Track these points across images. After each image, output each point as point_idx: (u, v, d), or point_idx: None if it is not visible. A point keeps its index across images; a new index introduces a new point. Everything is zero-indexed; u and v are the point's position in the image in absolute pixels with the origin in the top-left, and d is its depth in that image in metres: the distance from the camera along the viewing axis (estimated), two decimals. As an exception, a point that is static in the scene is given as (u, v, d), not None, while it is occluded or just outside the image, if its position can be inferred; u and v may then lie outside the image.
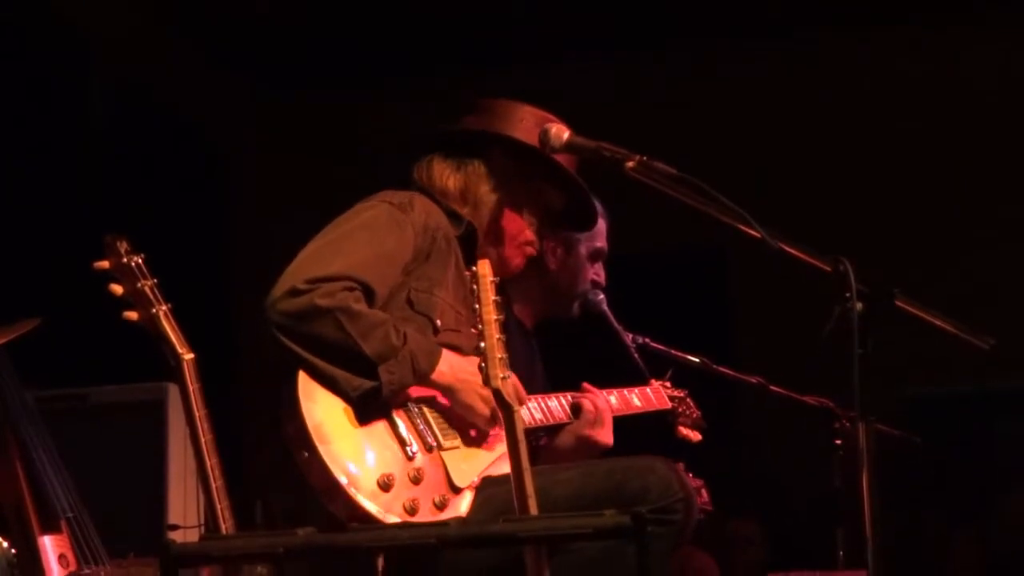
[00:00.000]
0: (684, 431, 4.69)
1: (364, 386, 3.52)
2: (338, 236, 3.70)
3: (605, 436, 4.17)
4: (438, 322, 3.75)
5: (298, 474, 3.49)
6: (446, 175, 3.97)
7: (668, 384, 4.70)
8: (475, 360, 3.67)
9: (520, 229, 4.02)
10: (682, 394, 4.73)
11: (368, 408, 3.55)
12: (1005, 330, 3.85)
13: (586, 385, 4.26)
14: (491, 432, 3.76)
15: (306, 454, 3.45)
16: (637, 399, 4.46)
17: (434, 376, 3.65)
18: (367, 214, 3.76)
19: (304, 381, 3.51)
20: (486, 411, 3.68)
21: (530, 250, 4.07)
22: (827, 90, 7.83)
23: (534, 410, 4.03)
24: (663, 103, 7.82)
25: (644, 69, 7.95)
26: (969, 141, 7.62)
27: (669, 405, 4.64)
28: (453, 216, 3.92)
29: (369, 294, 3.60)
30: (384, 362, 3.53)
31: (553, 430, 4.15)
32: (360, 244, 3.66)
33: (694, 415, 4.75)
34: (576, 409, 4.17)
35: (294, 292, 3.51)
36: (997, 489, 6.73)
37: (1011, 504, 6.66)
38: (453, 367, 3.69)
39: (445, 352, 3.69)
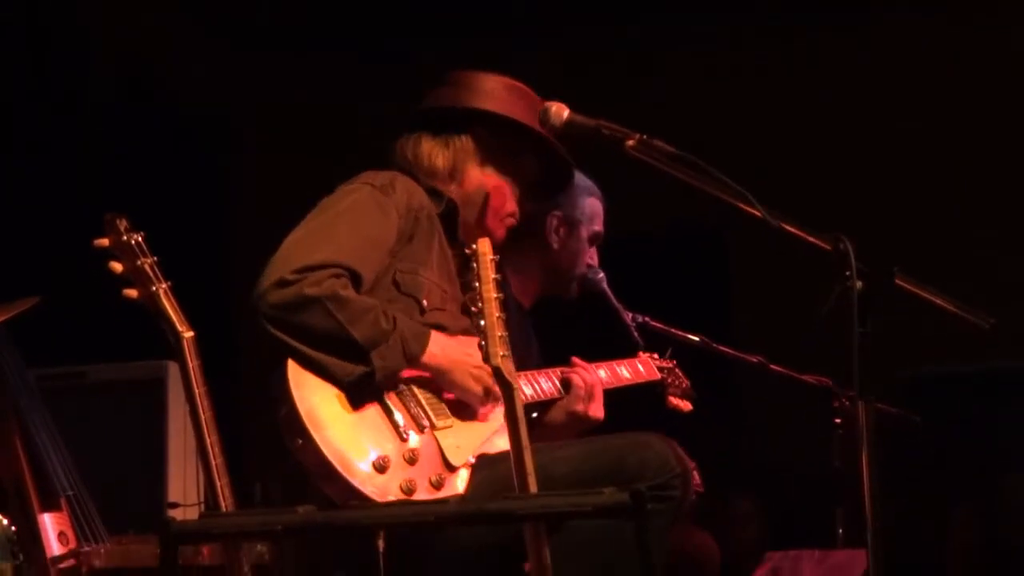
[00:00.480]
0: (674, 401, 4.71)
1: (356, 372, 3.53)
2: (323, 222, 3.69)
3: (596, 411, 4.19)
4: (424, 302, 3.76)
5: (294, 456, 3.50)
6: (435, 153, 3.98)
7: (656, 356, 4.71)
8: (464, 340, 3.69)
9: (503, 202, 4.04)
10: (670, 365, 4.74)
11: (360, 393, 3.55)
12: (1006, 309, 3.85)
13: (576, 360, 4.27)
14: (482, 409, 3.76)
15: (300, 441, 3.45)
16: (626, 371, 4.47)
17: (425, 359, 3.65)
18: (350, 199, 3.76)
19: (294, 369, 3.51)
20: (479, 389, 3.69)
21: (511, 221, 4.08)
22: (826, 77, 7.83)
23: (523, 386, 4.03)
24: (665, 91, 7.82)
25: (646, 49, 7.94)
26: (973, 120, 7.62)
27: (658, 376, 4.65)
28: (433, 193, 3.92)
29: (356, 280, 3.60)
30: (375, 347, 3.53)
31: (544, 406, 4.15)
32: (345, 230, 3.66)
33: (683, 385, 4.76)
34: (566, 384, 4.18)
35: (282, 283, 3.51)
36: (997, 469, 6.73)
37: (1011, 484, 6.66)
38: (444, 348, 3.69)
39: (434, 334, 3.69)
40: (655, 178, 3.58)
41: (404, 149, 4.00)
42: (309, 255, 3.55)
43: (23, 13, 6.85)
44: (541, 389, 4.11)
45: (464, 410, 3.75)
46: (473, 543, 3.54)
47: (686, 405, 4.73)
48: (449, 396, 3.73)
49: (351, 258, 3.60)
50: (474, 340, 3.75)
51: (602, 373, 4.32)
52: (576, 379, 4.18)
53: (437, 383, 3.72)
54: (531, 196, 4.17)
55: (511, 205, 4.06)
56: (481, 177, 4.00)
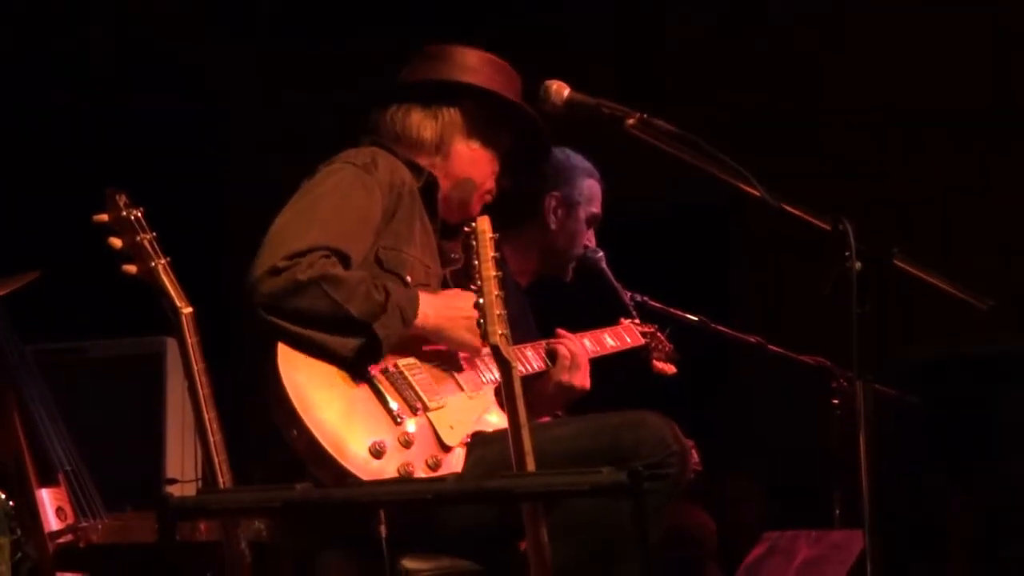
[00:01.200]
0: (659, 365, 4.72)
1: (356, 344, 3.53)
2: (308, 205, 3.68)
3: (582, 380, 4.20)
4: (408, 278, 3.76)
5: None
6: (424, 125, 3.98)
7: (637, 321, 4.71)
8: (448, 294, 3.70)
9: (485, 177, 4.05)
10: (652, 329, 4.75)
11: (351, 377, 3.55)
12: (1007, 291, 3.85)
13: (560, 331, 4.27)
14: (472, 387, 3.77)
15: (295, 432, 3.44)
16: (610, 339, 4.48)
17: (418, 321, 3.66)
18: (334, 179, 3.75)
19: (284, 353, 3.50)
20: (477, 341, 3.68)
21: (488, 197, 4.09)
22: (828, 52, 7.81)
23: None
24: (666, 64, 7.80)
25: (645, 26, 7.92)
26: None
27: (642, 341, 4.66)
28: (413, 167, 3.92)
29: (344, 260, 3.60)
30: (375, 319, 3.53)
31: (531, 379, 4.15)
32: (330, 211, 3.66)
33: (667, 349, 4.77)
34: (552, 355, 4.19)
35: (274, 271, 3.50)
36: (996, 451, 6.73)
37: (1010, 467, 6.67)
38: (435, 307, 3.71)
39: (422, 295, 3.70)
40: (657, 157, 3.58)
41: (391, 120, 3.99)
42: (297, 241, 3.54)
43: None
44: (529, 363, 4.12)
45: (454, 388, 3.75)
46: (470, 521, 3.54)
47: (670, 368, 4.75)
48: (438, 374, 3.73)
49: (338, 239, 3.59)
50: (458, 291, 3.77)
51: (587, 342, 4.33)
52: (561, 349, 4.20)
53: (423, 357, 3.72)
54: (508, 174, 4.16)
55: (491, 182, 4.07)
56: (466, 150, 4.00)
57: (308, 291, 3.49)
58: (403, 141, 3.96)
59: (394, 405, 3.57)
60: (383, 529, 3.09)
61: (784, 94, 7.59)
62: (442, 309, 3.72)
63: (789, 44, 7.66)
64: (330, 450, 3.42)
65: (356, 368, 3.55)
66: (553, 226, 4.71)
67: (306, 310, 3.49)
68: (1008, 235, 7.14)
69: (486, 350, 3.50)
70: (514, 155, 4.14)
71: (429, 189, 3.93)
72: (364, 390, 3.57)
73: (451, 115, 3.99)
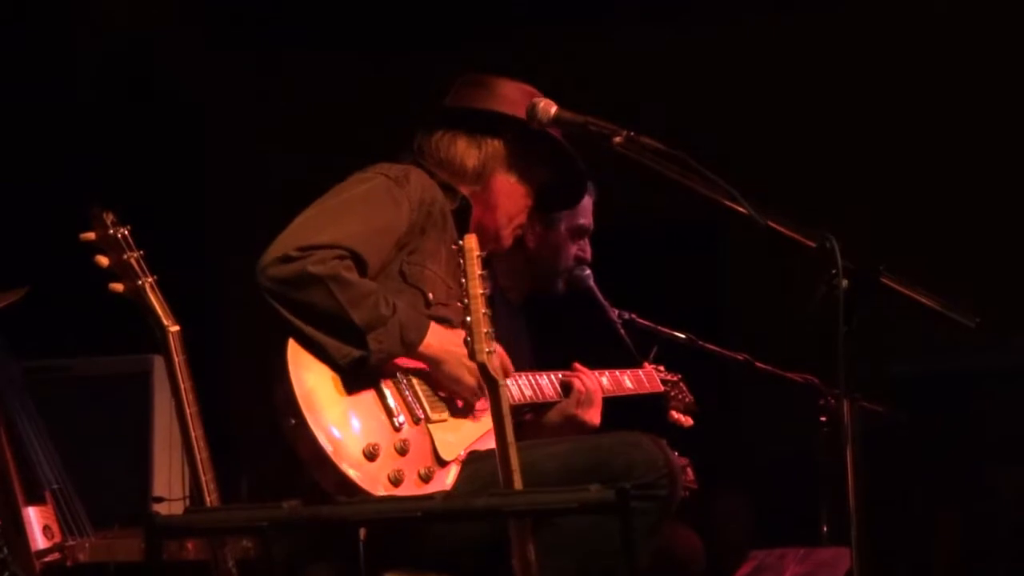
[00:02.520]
0: (676, 415, 4.70)
1: (352, 354, 3.53)
2: (333, 206, 3.70)
3: (593, 416, 4.19)
4: (430, 295, 3.77)
5: (284, 445, 3.50)
6: (468, 153, 3.97)
7: (662, 368, 4.70)
8: (462, 333, 3.68)
9: (520, 210, 4.05)
10: (675, 378, 4.74)
11: (356, 377, 3.56)
12: (993, 307, 3.85)
13: (577, 365, 4.26)
14: (479, 406, 3.76)
15: (293, 421, 3.46)
16: (629, 381, 4.47)
17: (421, 348, 3.66)
18: (364, 186, 3.76)
19: (294, 350, 3.52)
20: (473, 383, 3.69)
21: (519, 232, 4.11)
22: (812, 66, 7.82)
23: (524, 387, 4.05)
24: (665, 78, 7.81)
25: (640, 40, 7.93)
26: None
27: (661, 389, 4.65)
28: (449, 190, 3.92)
29: (360, 265, 3.60)
30: (372, 331, 3.54)
31: (541, 407, 4.15)
32: (355, 216, 3.66)
33: (687, 400, 4.75)
34: (567, 388, 4.18)
35: (286, 259, 3.51)
36: (982, 467, 6.74)
37: (996, 482, 6.68)
38: (441, 339, 3.70)
39: (433, 325, 3.70)
40: (645, 174, 3.58)
41: (435, 144, 3.99)
42: (315, 235, 3.56)
43: (8, 6, 6.82)
44: (541, 391, 4.12)
45: (459, 404, 3.75)
46: (457, 539, 3.54)
47: (687, 421, 4.72)
48: (446, 389, 3.74)
49: (357, 243, 3.60)
50: None
51: (604, 380, 4.33)
52: (577, 384, 4.19)
53: (432, 373, 3.72)
54: (542, 208, 4.19)
55: (523, 216, 4.08)
56: (505, 183, 4.00)
57: (315, 286, 3.50)
58: (445, 167, 3.96)
59: (396, 411, 3.59)
60: (362, 533, 3.08)
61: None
62: (447, 343, 3.70)
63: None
64: (325, 444, 3.45)
65: (351, 375, 3.55)
66: (531, 244, 4.70)
67: (309, 304, 3.51)
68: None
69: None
70: (548, 191, 4.15)
71: (463, 212, 3.94)
72: (369, 393, 3.59)
73: (495, 146, 3.99)
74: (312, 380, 3.51)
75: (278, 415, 3.49)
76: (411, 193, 3.77)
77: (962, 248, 7.29)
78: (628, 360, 4.60)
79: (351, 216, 3.65)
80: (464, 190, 3.96)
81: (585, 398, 4.18)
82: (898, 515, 6.25)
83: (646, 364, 4.65)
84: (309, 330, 3.51)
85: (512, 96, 4.01)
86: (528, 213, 4.09)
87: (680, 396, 4.74)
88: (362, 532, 2.98)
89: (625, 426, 3.89)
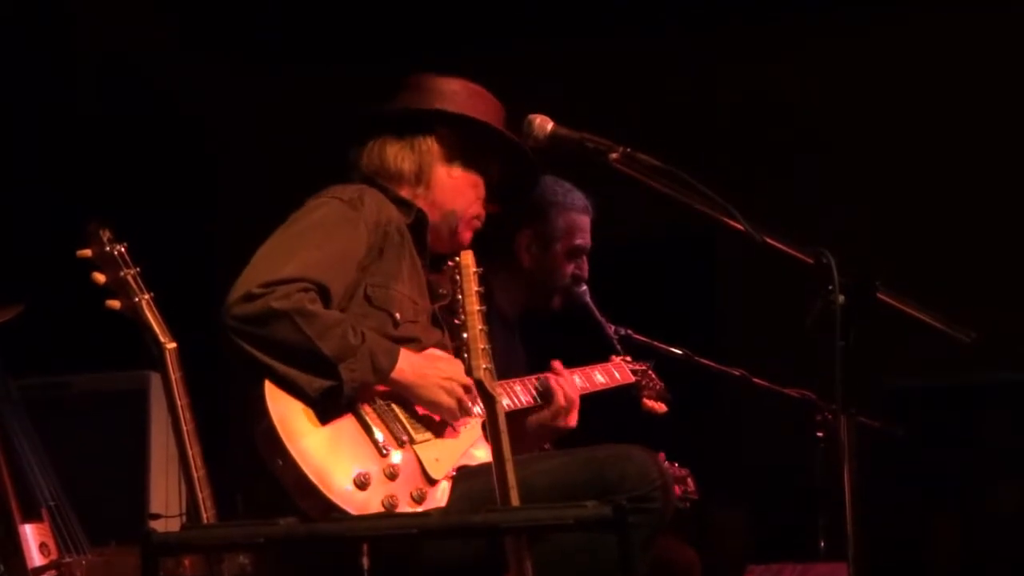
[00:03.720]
0: (649, 403, 4.71)
1: (324, 385, 3.51)
2: (291, 236, 3.68)
3: (572, 419, 4.20)
4: (397, 315, 3.75)
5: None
6: (401, 157, 3.97)
7: (629, 359, 4.71)
8: (431, 355, 3.70)
9: (470, 202, 4.03)
10: (644, 367, 4.75)
11: (336, 408, 3.54)
12: (988, 323, 3.86)
13: (555, 364, 4.25)
14: (458, 422, 3.76)
15: (280, 462, 3.44)
16: (600, 375, 4.47)
17: (394, 375, 3.64)
18: (319, 212, 3.75)
19: (271, 387, 3.50)
20: (452, 403, 3.69)
21: (477, 223, 4.08)
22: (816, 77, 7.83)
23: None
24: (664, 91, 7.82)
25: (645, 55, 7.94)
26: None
27: (632, 379, 4.65)
28: (402, 204, 3.92)
29: (324, 294, 3.58)
30: (343, 361, 3.52)
31: (519, 414, 4.14)
32: (313, 244, 3.65)
33: (657, 387, 4.76)
34: (545, 395, 4.16)
35: (248, 296, 3.49)
36: (979, 481, 6.74)
37: (992, 496, 6.68)
38: (412, 364, 3.68)
39: (403, 351, 3.68)
40: (641, 190, 3.59)
41: (368, 155, 3.99)
42: (276, 270, 3.54)
43: (7, 16, 6.82)
44: (517, 399, 4.11)
45: (441, 423, 3.74)
46: (455, 555, 3.53)
47: (660, 407, 4.74)
48: (425, 410, 3.72)
49: (319, 273, 3.58)
50: (442, 353, 3.77)
51: (576, 379, 4.32)
52: (557, 392, 4.18)
53: (408, 399, 3.71)
54: (496, 200, 4.15)
55: (477, 207, 4.06)
56: (447, 178, 3.99)
57: (280, 321, 3.48)
58: (383, 174, 3.96)
59: (380, 437, 3.57)
60: (365, 562, 3.08)
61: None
62: (420, 367, 3.69)
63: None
64: (315, 481, 3.42)
65: (325, 406, 3.54)
66: (526, 263, 4.71)
67: (276, 340, 3.48)
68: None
69: (468, 404, 3.49)
70: (504, 181, 4.14)
71: (419, 226, 3.93)
72: (350, 421, 3.57)
73: (427, 144, 3.99)
74: (293, 416, 3.48)
75: (264, 455, 3.46)
76: (367, 215, 3.76)
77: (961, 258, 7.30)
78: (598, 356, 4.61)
79: (309, 245, 3.64)
80: (409, 195, 3.95)
81: (566, 405, 4.18)
82: (895, 530, 6.25)
83: (613, 357, 4.65)
84: (278, 366, 3.49)
85: (444, 90, 4.02)
86: (483, 205, 4.07)
87: (651, 384, 4.75)
88: (365, 550, 2.97)
89: (603, 421, 3.89)
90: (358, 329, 3.58)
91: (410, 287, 3.83)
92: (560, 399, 4.17)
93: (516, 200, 4.32)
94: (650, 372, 4.77)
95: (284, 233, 3.70)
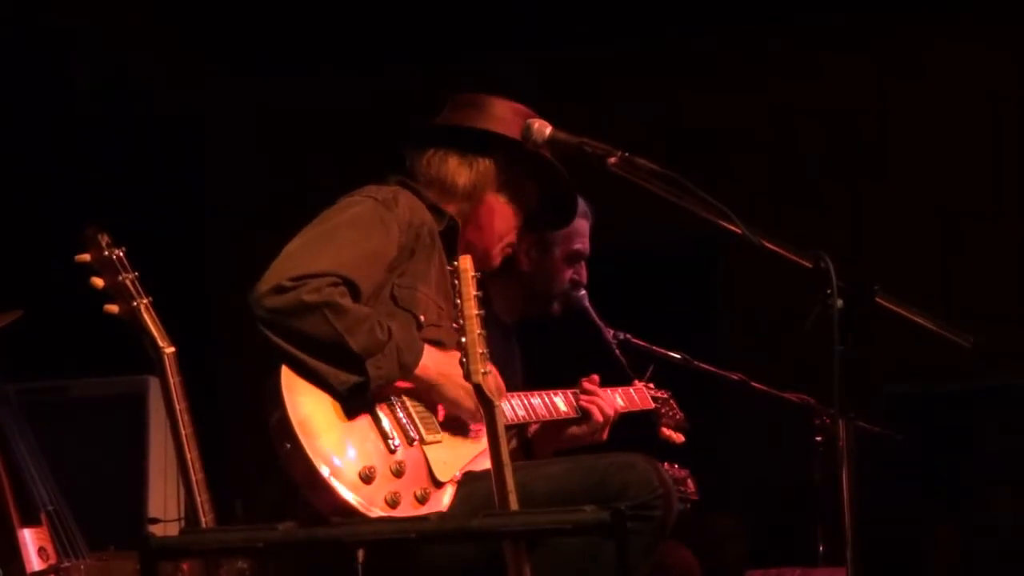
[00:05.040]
0: (667, 432, 4.70)
1: (351, 380, 3.53)
2: (324, 232, 3.69)
3: (604, 435, 4.25)
4: (421, 317, 3.76)
5: (280, 468, 3.50)
6: (459, 172, 3.97)
7: (651, 385, 4.71)
8: (456, 355, 3.68)
9: (509, 230, 4.05)
10: (665, 395, 4.74)
11: (353, 402, 3.55)
12: (987, 328, 3.86)
13: (591, 386, 4.26)
14: (473, 427, 3.76)
15: (288, 446, 3.45)
16: (621, 399, 4.47)
17: (418, 371, 3.66)
18: (353, 210, 3.75)
19: (287, 374, 3.51)
20: (471, 404, 3.69)
21: (509, 251, 4.10)
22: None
23: (539, 406, 4.07)
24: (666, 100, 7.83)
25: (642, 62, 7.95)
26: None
27: (652, 406, 4.65)
28: (436, 211, 3.92)
29: (354, 291, 3.59)
30: (370, 356, 3.53)
31: (555, 424, 4.17)
32: (346, 241, 3.66)
33: (677, 416, 4.76)
34: (584, 411, 4.20)
35: (280, 289, 3.50)
36: (977, 486, 6.75)
37: (991, 501, 6.68)
38: (436, 362, 3.70)
39: (428, 347, 3.70)
40: (642, 194, 3.59)
41: (426, 163, 3.98)
42: (308, 264, 3.55)
43: (6, 22, 6.82)
44: (556, 409, 4.15)
45: (455, 426, 3.75)
46: (453, 560, 3.54)
47: (678, 437, 4.73)
48: (440, 411, 3.74)
49: (350, 269, 3.59)
50: None
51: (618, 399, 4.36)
52: (596, 412, 4.21)
53: (429, 396, 3.72)
54: (532, 228, 4.19)
55: (513, 235, 4.07)
56: (495, 202, 4.00)
57: (311, 314, 3.49)
58: (435, 185, 3.96)
59: (391, 434, 3.59)
60: (360, 565, 3.08)
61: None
62: (443, 366, 3.71)
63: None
64: (321, 468, 3.44)
65: (349, 401, 3.55)
66: (526, 268, 4.70)
67: (306, 333, 3.50)
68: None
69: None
70: (538, 212, 4.14)
71: (450, 233, 3.94)
72: (364, 415, 3.58)
73: (486, 166, 3.98)
74: (307, 404, 3.50)
75: (273, 439, 3.49)
76: (400, 216, 3.76)
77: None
78: (621, 379, 4.61)
79: (342, 242, 3.65)
80: (451, 209, 3.96)
81: (603, 423, 4.22)
82: (894, 534, 6.25)
83: (636, 382, 4.66)
84: (306, 358, 3.51)
85: (504, 116, 4.01)
86: (518, 233, 4.09)
87: (671, 413, 4.75)
88: (360, 555, 2.97)
89: (620, 443, 3.90)
90: (385, 325, 3.59)
91: (436, 291, 3.84)
92: (597, 416, 4.21)
93: (550, 229, 4.39)
94: (671, 401, 4.76)
95: (317, 228, 3.71)
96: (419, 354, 3.66)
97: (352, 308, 3.55)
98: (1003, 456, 6.77)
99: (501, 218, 4.02)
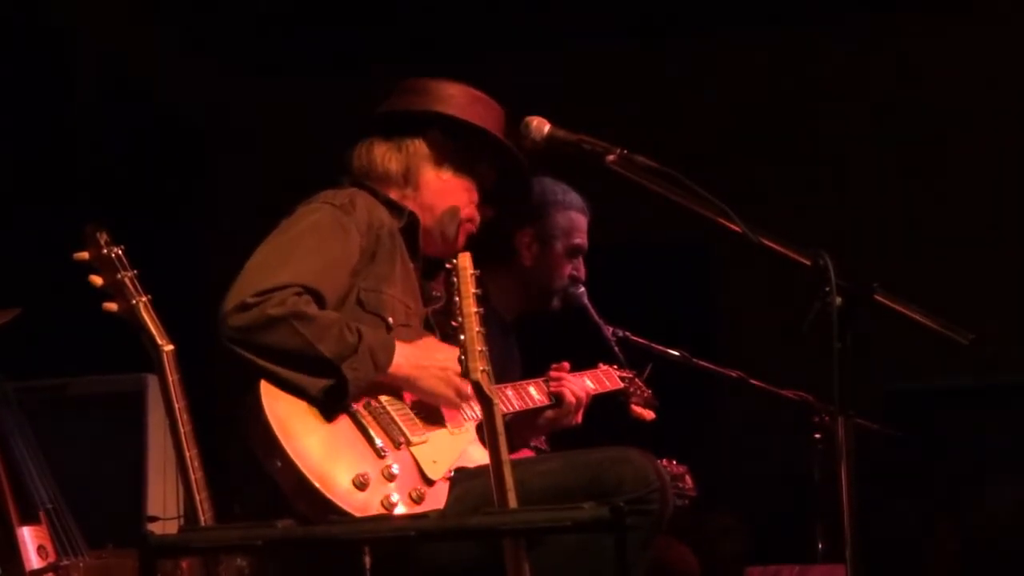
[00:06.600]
0: (637, 410, 4.72)
1: (327, 384, 3.52)
2: (283, 243, 3.68)
3: (579, 417, 4.28)
4: (390, 319, 3.76)
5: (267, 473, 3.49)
6: (388, 157, 3.97)
7: (616, 366, 4.71)
8: (428, 344, 3.70)
9: (463, 204, 4.03)
10: (631, 375, 4.76)
11: (332, 409, 3.54)
12: (987, 326, 3.86)
13: (562, 373, 4.27)
14: (450, 419, 3.76)
15: (278, 463, 3.44)
16: (590, 382, 4.48)
17: (392, 369, 3.65)
18: (311, 219, 3.74)
19: (267, 388, 3.50)
20: (450, 391, 3.70)
21: (470, 227, 4.07)
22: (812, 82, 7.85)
23: (512, 398, 4.08)
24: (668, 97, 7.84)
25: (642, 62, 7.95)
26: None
27: (620, 386, 4.67)
28: (393, 207, 3.92)
29: (318, 300, 3.59)
30: (343, 360, 3.52)
31: (532, 411, 4.18)
32: (306, 251, 3.65)
33: (645, 394, 4.77)
34: (557, 397, 4.22)
35: (244, 306, 3.49)
36: (976, 483, 6.75)
37: (989, 498, 6.69)
38: (408, 357, 3.69)
39: (398, 343, 3.69)
40: (639, 191, 3.59)
41: (358, 156, 3.99)
42: (270, 278, 3.54)
43: (9, 22, 6.82)
44: (530, 398, 4.15)
45: (436, 423, 3.75)
46: (451, 557, 3.53)
47: (648, 414, 4.74)
48: (420, 409, 3.73)
49: (312, 278, 3.59)
50: (436, 342, 3.77)
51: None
52: (568, 395, 4.24)
53: (407, 393, 3.72)
54: (490, 204, 4.15)
55: (470, 210, 4.05)
56: (436, 180, 3.99)
57: (278, 327, 3.48)
58: (372, 176, 3.96)
59: (377, 439, 3.57)
60: (367, 560, 3.08)
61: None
62: (416, 359, 3.70)
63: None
64: (314, 481, 3.42)
65: (329, 406, 3.54)
66: (528, 263, 4.71)
67: (275, 346, 3.49)
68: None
69: (468, 390, 3.50)
70: (499, 185, 4.13)
71: (410, 229, 3.93)
72: (346, 423, 3.57)
73: (416, 145, 3.98)
74: (289, 417, 3.48)
75: (261, 457, 3.46)
76: (358, 219, 3.76)
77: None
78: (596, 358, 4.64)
79: (302, 252, 3.64)
80: (397, 196, 3.95)
81: (576, 406, 4.25)
82: (893, 532, 6.26)
83: (601, 364, 4.66)
84: (280, 370, 3.50)
85: (441, 94, 4.01)
86: (476, 208, 4.06)
87: (639, 391, 4.76)
88: (367, 556, 2.96)
89: (601, 423, 3.91)
90: (353, 327, 3.58)
91: (402, 290, 3.83)
92: (570, 400, 4.23)
93: (512, 204, 4.31)
94: (637, 380, 4.77)
95: (276, 240, 3.70)
96: (392, 352, 3.65)
97: (319, 315, 3.55)
98: (1003, 455, 6.77)
99: (449, 195, 4.00)
